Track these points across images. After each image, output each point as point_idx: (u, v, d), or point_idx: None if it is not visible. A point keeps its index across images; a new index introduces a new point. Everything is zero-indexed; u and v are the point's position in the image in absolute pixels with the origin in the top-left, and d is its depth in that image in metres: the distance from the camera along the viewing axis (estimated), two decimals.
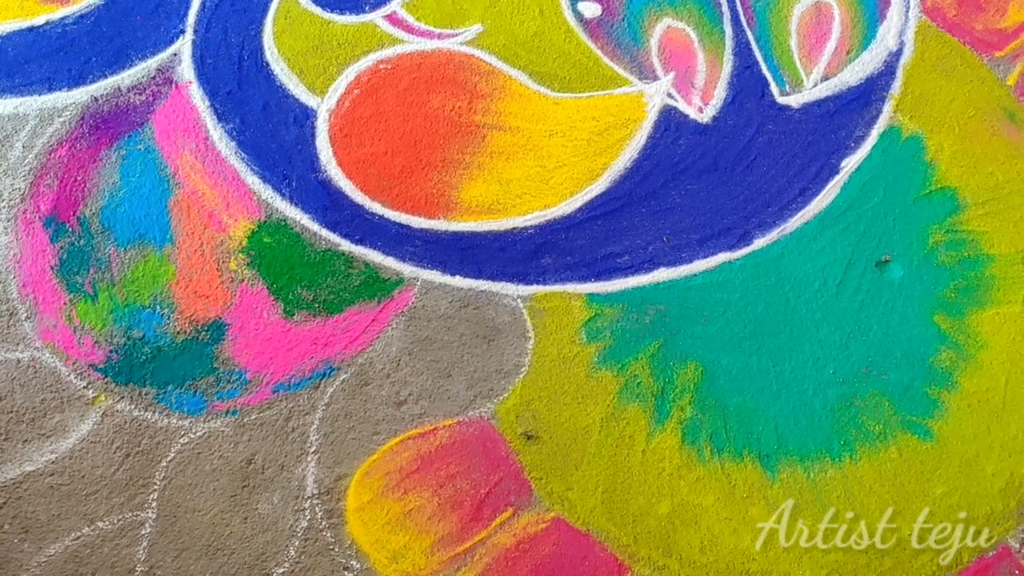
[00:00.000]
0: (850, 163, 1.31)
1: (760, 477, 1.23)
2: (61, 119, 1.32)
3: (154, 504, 1.23)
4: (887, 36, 1.35)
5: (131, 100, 1.32)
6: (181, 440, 1.24)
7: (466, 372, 1.26)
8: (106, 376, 1.25)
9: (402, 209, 1.30)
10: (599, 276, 1.28)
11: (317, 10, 1.35)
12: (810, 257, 1.29)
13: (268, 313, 1.27)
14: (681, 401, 1.25)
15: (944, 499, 1.23)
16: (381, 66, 1.33)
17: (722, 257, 1.29)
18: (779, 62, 1.34)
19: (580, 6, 1.35)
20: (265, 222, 1.29)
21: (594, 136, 1.31)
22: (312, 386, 1.25)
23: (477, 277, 1.28)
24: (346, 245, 1.28)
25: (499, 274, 1.28)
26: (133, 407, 1.24)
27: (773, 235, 1.29)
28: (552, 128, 1.32)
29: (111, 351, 1.26)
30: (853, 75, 1.34)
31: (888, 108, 1.33)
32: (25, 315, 1.26)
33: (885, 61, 1.34)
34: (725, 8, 1.35)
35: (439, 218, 1.30)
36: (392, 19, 1.35)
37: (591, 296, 1.28)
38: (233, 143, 1.31)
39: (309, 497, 1.22)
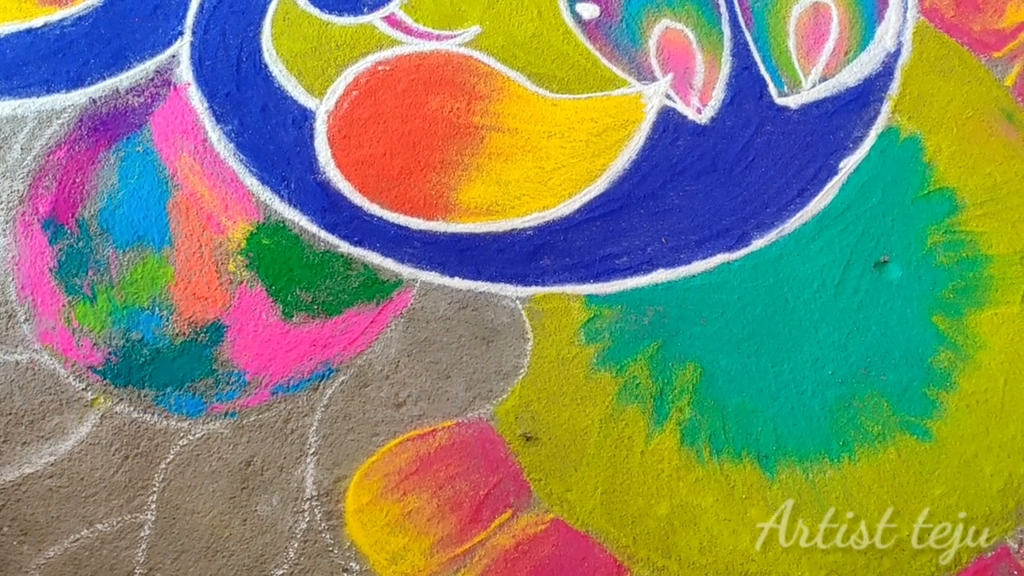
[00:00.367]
0: (848, 164, 1.31)
1: (759, 478, 1.23)
2: (59, 121, 1.32)
3: (153, 506, 1.23)
4: (885, 37, 1.35)
5: (129, 102, 1.32)
6: (180, 442, 1.24)
7: (465, 373, 1.26)
8: (105, 378, 1.25)
9: (401, 210, 1.30)
10: (598, 277, 1.28)
11: (316, 12, 1.35)
12: (809, 258, 1.29)
13: (267, 315, 1.27)
14: (680, 402, 1.25)
15: (943, 500, 1.23)
16: (380, 68, 1.33)
17: (721, 258, 1.29)
18: (777, 63, 1.34)
19: (578, 7, 1.35)
20: (264, 224, 1.29)
21: (592, 137, 1.32)
22: (311, 388, 1.25)
23: (476, 278, 1.28)
24: (345, 247, 1.28)
25: (498, 275, 1.28)
26: (132, 409, 1.24)
27: (772, 236, 1.29)
28: (551, 129, 1.32)
29: (110, 353, 1.26)
30: (851, 76, 1.34)
31: (886, 109, 1.33)
32: (24, 317, 1.26)
33: (883, 62, 1.34)
34: (723, 9, 1.35)
35: (438, 219, 1.30)
36: (391, 20, 1.35)
37: (590, 297, 1.28)
38: (232, 145, 1.31)
39: (308, 499, 1.22)
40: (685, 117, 1.32)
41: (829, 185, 1.31)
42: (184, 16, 1.35)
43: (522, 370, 1.26)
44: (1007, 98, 1.33)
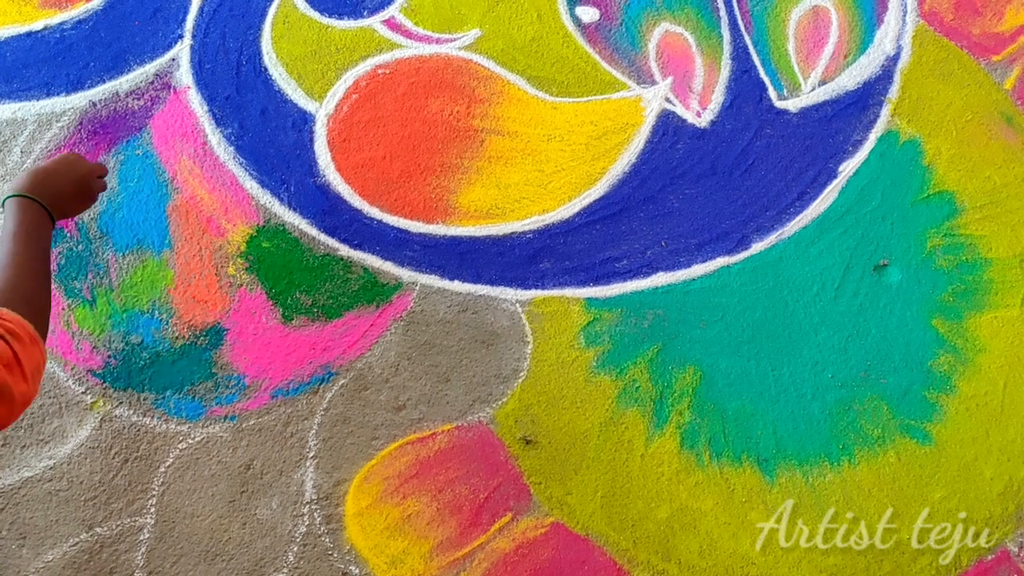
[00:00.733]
0: (848, 167, 1.31)
1: (759, 481, 1.23)
2: (59, 124, 1.32)
3: (153, 509, 1.22)
4: (884, 40, 1.35)
5: (129, 105, 1.32)
6: (180, 445, 1.24)
7: (465, 377, 1.26)
8: (104, 381, 1.25)
9: (400, 214, 1.30)
10: (597, 281, 1.28)
11: (315, 15, 1.35)
12: (808, 261, 1.29)
13: (267, 318, 1.27)
14: (680, 405, 1.25)
15: (943, 503, 1.23)
16: (379, 71, 1.34)
17: (720, 261, 1.29)
18: (777, 66, 1.34)
19: (578, 11, 1.36)
20: (263, 227, 1.29)
21: (592, 141, 1.32)
22: (311, 391, 1.25)
23: (476, 282, 1.28)
24: (344, 250, 1.28)
25: (498, 279, 1.28)
26: (131, 412, 1.24)
27: (771, 239, 1.29)
28: (550, 133, 1.32)
29: (109, 356, 1.25)
30: (851, 79, 1.34)
31: (886, 112, 1.33)
32: None
33: (883, 65, 1.34)
34: (723, 12, 1.36)
35: (437, 223, 1.30)
36: (390, 24, 1.35)
37: (589, 300, 1.28)
38: (231, 148, 1.31)
39: (308, 502, 1.22)
40: (685, 120, 1.33)
41: (829, 188, 1.31)
42: (184, 19, 1.35)
43: (522, 373, 1.26)
44: (1006, 101, 1.34)
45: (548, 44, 1.34)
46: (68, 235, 1.28)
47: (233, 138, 1.31)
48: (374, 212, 1.30)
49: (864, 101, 1.33)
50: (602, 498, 1.23)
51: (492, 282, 1.28)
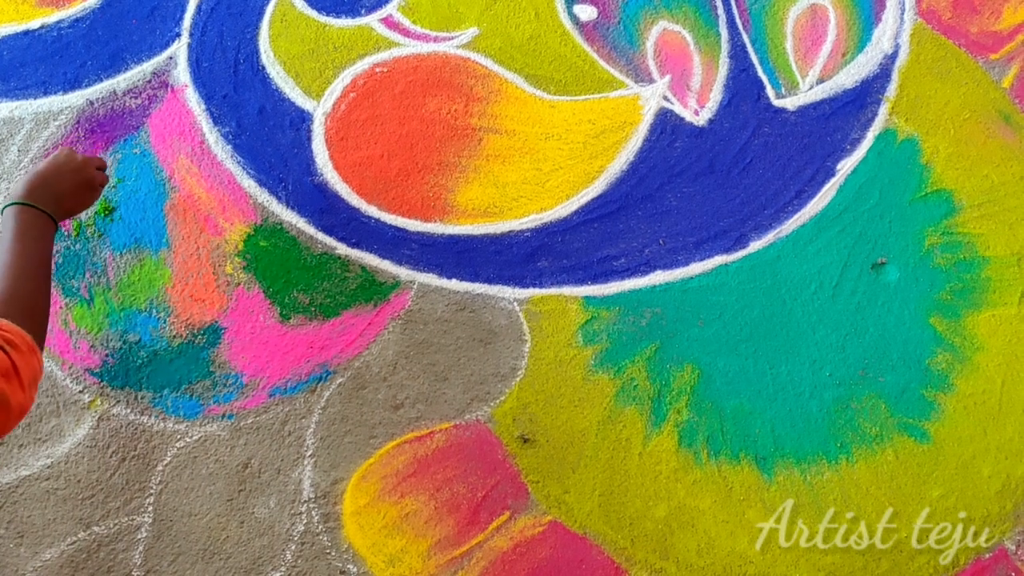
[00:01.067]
0: (846, 166, 1.31)
1: (757, 480, 1.23)
2: (57, 123, 1.32)
3: (150, 508, 1.22)
4: (882, 39, 1.35)
5: (127, 104, 1.32)
6: (177, 444, 1.24)
7: (463, 375, 1.26)
8: (102, 380, 1.25)
9: (398, 212, 1.30)
10: (595, 279, 1.28)
11: (313, 13, 1.35)
12: (806, 259, 1.29)
13: (264, 317, 1.26)
14: (678, 404, 1.25)
15: (941, 501, 1.23)
16: (377, 69, 1.33)
17: (718, 260, 1.29)
18: (775, 65, 1.34)
19: (576, 9, 1.36)
20: (261, 226, 1.29)
21: (590, 139, 1.32)
22: (308, 390, 1.25)
23: (473, 280, 1.28)
24: (342, 248, 1.28)
25: (495, 277, 1.28)
26: (129, 411, 1.24)
27: (769, 238, 1.29)
28: (548, 131, 1.32)
29: (107, 355, 1.25)
30: (849, 78, 1.34)
31: (883, 111, 1.33)
32: None
33: (880, 64, 1.34)
34: (721, 11, 1.36)
35: (435, 221, 1.29)
36: (388, 22, 1.35)
37: (587, 299, 1.28)
38: (229, 146, 1.31)
39: (306, 501, 1.22)
40: (683, 119, 1.33)
41: (827, 187, 1.31)
42: (181, 18, 1.35)
43: (520, 372, 1.26)
44: (1004, 100, 1.34)
45: (546, 42, 1.34)
46: (65, 234, 1.28)
47: (231, 136, 1.31)
48: (372, 211, 1.30)
49: (862, 99, 1.33)
50: (600, 496, 1.23)
51: (490, 280, 1.28)
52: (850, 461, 1.24)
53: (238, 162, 1.30)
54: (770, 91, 1.33)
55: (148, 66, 1.34)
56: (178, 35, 1.35)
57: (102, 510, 1.22)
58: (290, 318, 1.27)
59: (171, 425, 1.24)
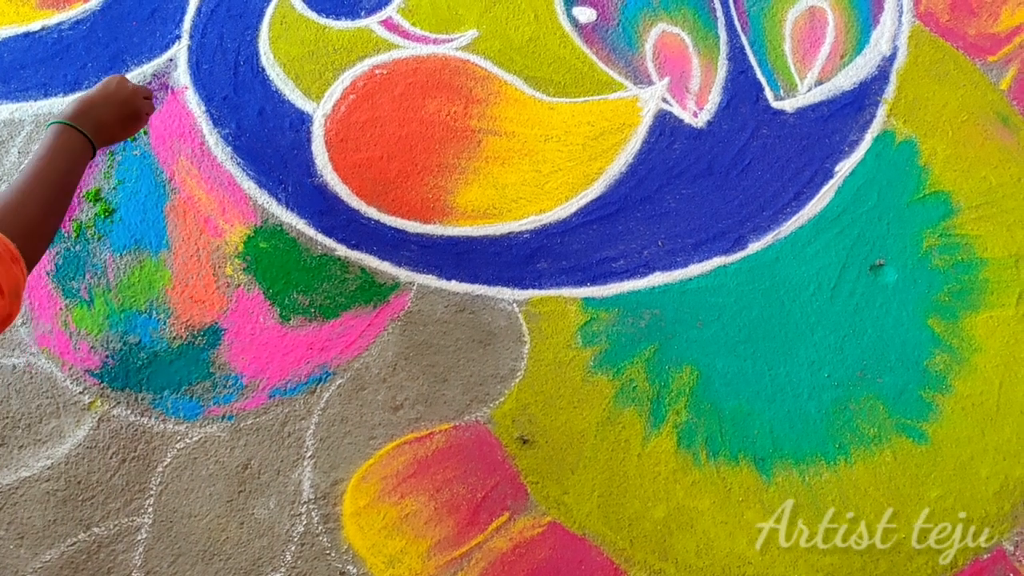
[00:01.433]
0: (844, 167, 1.31)
1: (756, 481, 1.23)
2: None
3: (150, 509, 1.23)
4: (881, 41, 1.36)
5: None
6: (177, 445, 1.24)
7: (462, 376, 1.26)
8: (102, 381, 1.25)
9: (398, 214, 1.30)
10: (594, 280, 1.28)
11: (313, 16, 1.35)
12: (805, 261, 1.29)
13: (264, 318, 1.27)
14: (676, 405, 1.25)
15: (939, 502, 1.23)
16: (377, 71, 1.34)
17: (717, 261, 1.29)
18: (773, 67, 1.35)
19: (575, 11, 1.36)
20: (261, 227, 1.29)
21: (589, 141, 1.32)
22: (308, 391, 1.25)
23: (473, 282, 1.28)
24: (342, 250, 1.29)
25: (495, 279, 1.28)
26: (129, 412, 1.24)
27: (768, 239, 1.30)
28: (547, 133, 1.32)
29: (107, 356, 1.26)
30: (847, 80, 1.34)
31: (882, 113, 1.33)
32: (21, 320, 1.26)
33: (879, 66, 1.35)
34: (720, 13, 1.36)
35: (435, 223, 1.30)
36: (387, 24, 1.36)
37: (586, 300, 1.28)
38: (229, 148, 1.31)
39: (305, 502, 1.22)
40: (681, 121, 1.33)
41: (825, 188, 1.31)
42: (181, 20, 1.35)
43: (519, 373, 1.26)
44: (1002, 102, 1.34)
45: (545, 44, 1.35)
46: (65, 235, 1.28)
47: (231, 138, 1.31)
48: (371, 212, 1.30)
49: (860, 101, 1.33)
50: (599, 497, 1.23)
51: (489, 282, 1.28)
52: (848, 462, 1.24)
53: (238, 164, 1.30)
54: (769, 93, 1.34)
55: (148, 68, 1.34)
56: (178, 37, 1.35)
57: (102, 511, 1.22)
58: (290, 319, 1.27)
59: (171, 426, 1.24)
